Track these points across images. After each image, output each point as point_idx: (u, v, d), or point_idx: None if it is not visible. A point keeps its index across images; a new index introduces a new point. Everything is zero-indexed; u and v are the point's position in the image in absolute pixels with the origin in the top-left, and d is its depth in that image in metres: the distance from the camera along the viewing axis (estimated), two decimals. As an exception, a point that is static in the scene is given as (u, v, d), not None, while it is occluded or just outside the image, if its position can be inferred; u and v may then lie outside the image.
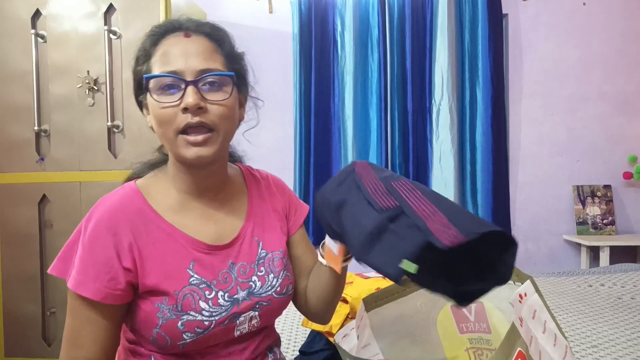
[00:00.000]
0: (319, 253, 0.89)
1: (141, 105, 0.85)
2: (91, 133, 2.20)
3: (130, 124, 2.19)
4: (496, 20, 2.99)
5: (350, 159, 3.06)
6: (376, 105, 3.05)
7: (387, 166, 3.04)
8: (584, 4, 3.06)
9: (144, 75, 0.76)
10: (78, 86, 2.19)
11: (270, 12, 3.11)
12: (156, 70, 0.76)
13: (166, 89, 0.75)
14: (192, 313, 0.76)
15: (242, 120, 0.88)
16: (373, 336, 0.92)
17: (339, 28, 3.08)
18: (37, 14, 2.23)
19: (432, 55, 3.04)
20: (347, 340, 0.89)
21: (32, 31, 2.20)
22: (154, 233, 0.78)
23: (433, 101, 3.04)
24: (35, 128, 2.21)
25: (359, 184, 0.72)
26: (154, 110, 0.76)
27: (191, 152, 0.75)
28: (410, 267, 0.57)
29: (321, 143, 3.08)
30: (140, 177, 0.88)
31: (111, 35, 2.17)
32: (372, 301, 0.95)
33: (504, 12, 3.05)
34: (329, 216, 0.76)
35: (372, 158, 3.07)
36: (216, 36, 0.81)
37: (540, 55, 3.09)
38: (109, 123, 2.17)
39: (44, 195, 2.24)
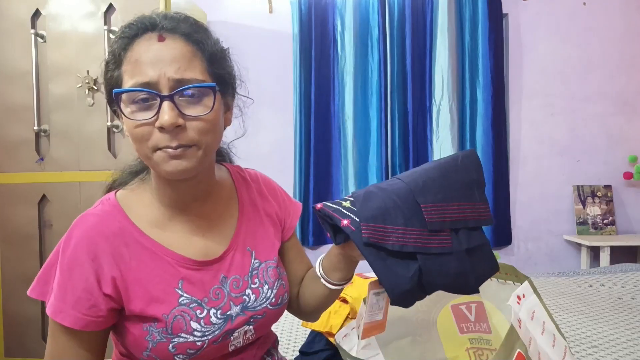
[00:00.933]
0: (318, 269, 0.84)
1: (117, 113, 0.74)
2: (91, 133, 2.20)
3: (130, 124, 2.19)
4: (496, 20, 2.99)
5: (350, 158, 3.06)
6: (376, 105, 3.05)
7: (387, 166, 3.04)
8: (584, 3, 3.06)
9: (114, 90, 0.68)
10: (78, 86, 2.19)
11: (270, 12, 3.11)
12: (127, 79, 0.67)
13: (139, 102, 0.67)
14: (183, 335, 0.72)
15: (228, 126, 0.80)
16: (373, 336, 0.92)
17: (339, 28, 3.08)
18: (36, 13, 2.23)
19: (433, 55, 3.03)
20: (347, 340, 0.88)
21: (32, 31, 2.20)
22: (137, 253, 0.73)
23: (433, 101, 3.04)
24: (35, 128, 2.21)
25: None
26: (128, 127, 0.68)
27: (171, 166, 0.67)
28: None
29: (321, 143, 3.07)
30: (120, 186, 0.82)
31: (111, 35, 2.17)
32: (373, 301, 0.95)
33: (504, 12, 3.05)
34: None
35: (372, 158, 3.07)
36: (195, 37, 0.70)
37: (540, 55, 3.09)
38: (109, 123, 2.18)
39: (44, 195, 2.24)
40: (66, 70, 2.20)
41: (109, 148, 2.20)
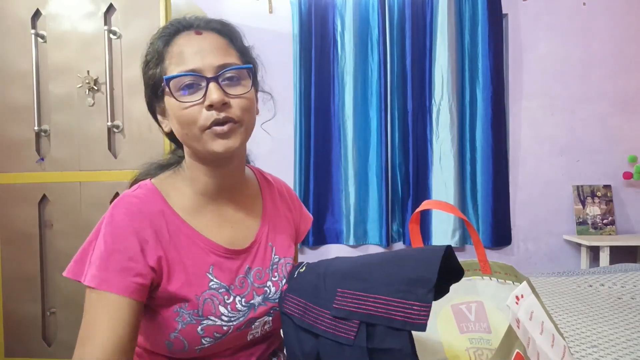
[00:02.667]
0: None
1: (154, 111, 0.83)
2: (91, 133, 2.20)
3: (130, 124, 2.19)
4: (496, 20, 2.99)
5: (350, 158, 3.06)
6: (376, 105, 3.05)
7: (386, 166, 3.04)
8: (584, 3, 3.06)
9: (165, 77, 0.75)
10: (78, 86, 2.19)
11: (270, 12, 3.11)
12: (173, 71, 0.75)
13: (186, 88, 0.74)
14: (212, 318, 0.76)
15: (257, 114, 0.87)
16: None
17: (339, 28, 3.08)
18: (37, 13, 2.23)
19: (432, 55, 3.03)
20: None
21: (32, 31, 2.20)
22: (175, 235, 0.77)
23: (433, 101, 3.04)
24: (35, 128, 2.21)
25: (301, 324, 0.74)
26: (176, 111, 0.75)
27: (220, 145, 0.74)
28: None
29: (321, 143, 3.08)
30: (147, 177, 0.86)
31: (111, 35, 2.17)
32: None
33: (504, 12, 3.05)
34: None
35: (372, 158, 3.08)
36: (226, 31, 0.80)
37: (540, 55, 3.09)
38: (109, 123, 2.17)
39: (44, 195, 2.24)
40: (66, 70, 2.20)
41: (110, 148, 2.20)
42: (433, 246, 0.68)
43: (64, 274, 0.74)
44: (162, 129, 0.84)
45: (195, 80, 0.74)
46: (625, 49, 3.05)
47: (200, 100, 0.73)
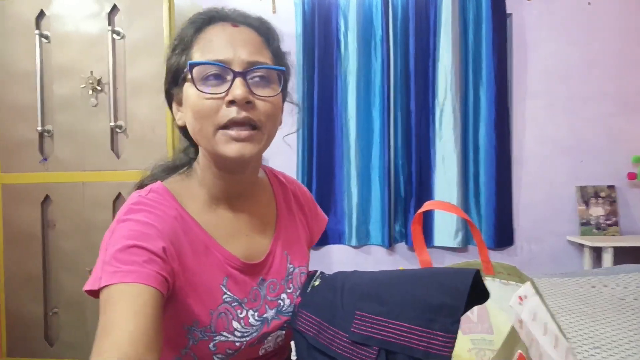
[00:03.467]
0: None
1: (171, 99, 0.77)
2: (94, 133, 2.20)
3: (133, 125, 2.19)
4: (500, 20, 2.98)
5: (352, 159, 3.06)
6: (379, 105, 3.05)
7: (389, 166, 3.03)
8: (589, 3, 3.05)
9: (189, 62, 0.68)
10: (81, 86, 2.20)
11: (274, 12, 3.12)
12: (199, 58, 0.69)
13: (210, 79, 0.67)
14: (224, 334, 0.71)
15: (280, 125, 0.79)
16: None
17: (342, 28, 3.08)
18: (41, 14, 2.23)
19: (436, 55, 3.03)
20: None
21: (36, 31, 2.20)
22: (192, 242, 0.71)
23: (436, 101, 3.03)
24: (39, 128, 2.22)
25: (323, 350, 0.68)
26: (195, 101, 0.68)
27: (233, 149, 0.67)
28: None
29: (324, 143, 3.08)
30: (152, 181, 0.78)
31: (115, 36, 2.18)
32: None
33: (508, 11, 3.04)
34: None
35: (375, 158, 3.07)
36: (264, 30, 0.75)
37: (544, 55, 3.08)
38: (112, 123, 2.18)
39: (47, 196, 2.25)
40: (70, 70, 2.21)
41: (113, 148, 2.21)
42: (461, 269, 0.63)
43: (84, 288, 0.63)
44: (175, 121, 0.78)
45: (222, 72, 0.67)
46: (629, 49, 3.04)
47: (223, 94, 0.67)
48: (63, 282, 2.24)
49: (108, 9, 2.19)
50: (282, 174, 0.95)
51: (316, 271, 0.84)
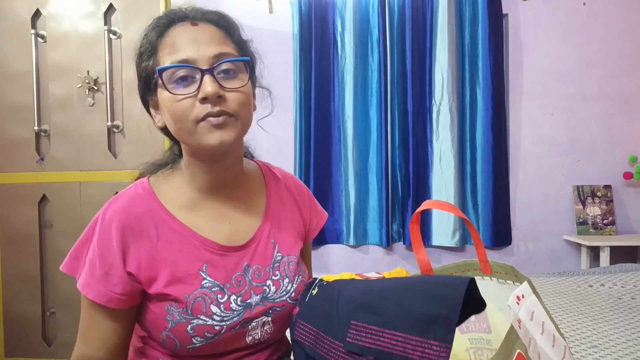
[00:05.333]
0: None
1: (147, 104, 0.81)
2: (91, 133, 2.20)
3: (130, 124, 2.19)
4: (496, 20, 2.99)
5: (350, 158, 3.06)
6: (376, 105, 3.05)
7: (387, 166, 3.04)
8: (584, 4, 3.06)
9: (157, 68, 0.72)
10: (78, 86, 2.19)
11: (271, 12, 3.11)
12: (165, 62, 0.72)
13: (179, 81, 0.71)
14: (202, 317, 0.74)
15: (254, 111, 0.83)
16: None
17: (339, 28, 3.08)
18: (37, 14, 2.23)
19: (432, 55, 3.03)
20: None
21: (32, 31, 2.20)
22: (165, 234, 0.76)
23: (433, 101, 3.04)
24: (35, 128, 2.21)
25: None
26: (169, 104, 0.72)
27: (214, 137, 0.71)
28: None
29: (321, 143, 3.08)
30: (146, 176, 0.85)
31: (111, 35, 2.17)
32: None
33: (504, 12, 3.05)
34: None
35: (372, 158, 3.07)
36: (223, 23, 0.78)
37: (540, 55, 3.09)
38: (109, 123, 2.18)
39: (44, 195, 2.24)
40: (66, 70, 2.20)
41: (109, 148, 2.20)
42: (456, 278, 0.63)
43: (61, 268, 0.77)
44: (155, 124, 0.81)
45: (189, 73, 0.71)
46: (625, 49, 3.05)
47: (194, 93, 0.70)
48: (60, 282, 2.24)
49: (104, 9, 2.18)
50: (279, 169, 0.97)
51: (315, 279, 0.85)
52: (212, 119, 0.70)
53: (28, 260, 2.25)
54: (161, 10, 2.13)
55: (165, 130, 0.81)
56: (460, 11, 3.03)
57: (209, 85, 0.69)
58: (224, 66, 0.72)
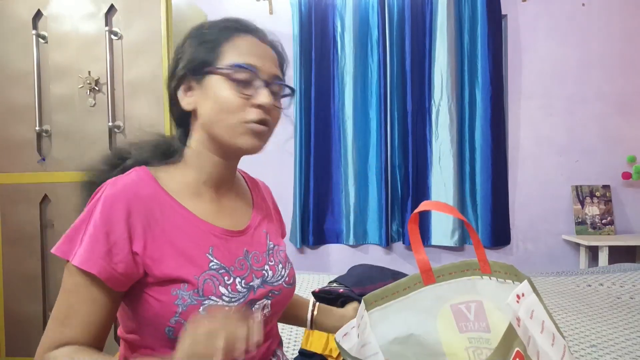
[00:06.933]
0: (311, 309, 1.07)
1: (178, 85, 0.83)
2: (92, 133, 2.20)
3: (131, 124, 2.20)
4: (495, 21, 3.00)
5: (350, 158, 3.07)
6: (376, 105, 3.06)
7: (386, 166, 3.05)
8: (583, 4, 3.07)
9: (236, 63, 0.78)
10: (79, 87, 2.20)
11: (271, 13, 3.12)
12: (229, 58, 0.79)
13: (241, 80, 0.78)
14: (213, 298, 0.75)
15: None
16: (373, 334, 0.92)
17: (339, 29, 3.09)
18: (38, 14, 2.23)
19: (432, 56, 3.04)
20: (347, 339, 0.89)
21: (33, 32, 2.20)
22: (171, 217, 0.77)
23: (432, 102, 3.05)
24: (37, 128, 2.21)
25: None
26: (226, 96, 0.78)
27: (249, 142, 0.79)
28: None
29: (321, 143, 3.09)
30: (137, 164, 0.84)
31: (112, 36, 2.18)
32: (373, 300, 0.96)
33: (503, 12, 3.06)
34: None
35: (372, 158, 3.08)
36: (279, 51, 0.88)
37: (539, 56, 3.10)
38: (110, 123, 2.18)
39: (45, 195, 2.25)
40: (67, 70, 2.21)
41: (111, 148, 2.21)
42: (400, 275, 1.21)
43: (52, 250, 0.75)
44: (181, 105, 0.84)
45: (252, 77, 0.79)
46: (624, 49, 3.07)
47: (249, 96, 0.78)
48: (61, 281, 2.24)
49: (105, 9, 2.19)
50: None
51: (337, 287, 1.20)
52: (255, 125, 0.78)
53: (29, 260, 2.25)
54: (162, 11, 2.14)
55: (182, 117, 0.86)
56: (460, 12, 3.04)
57: (267, 97, 0.78)
58: (277, 85, 0.83)
